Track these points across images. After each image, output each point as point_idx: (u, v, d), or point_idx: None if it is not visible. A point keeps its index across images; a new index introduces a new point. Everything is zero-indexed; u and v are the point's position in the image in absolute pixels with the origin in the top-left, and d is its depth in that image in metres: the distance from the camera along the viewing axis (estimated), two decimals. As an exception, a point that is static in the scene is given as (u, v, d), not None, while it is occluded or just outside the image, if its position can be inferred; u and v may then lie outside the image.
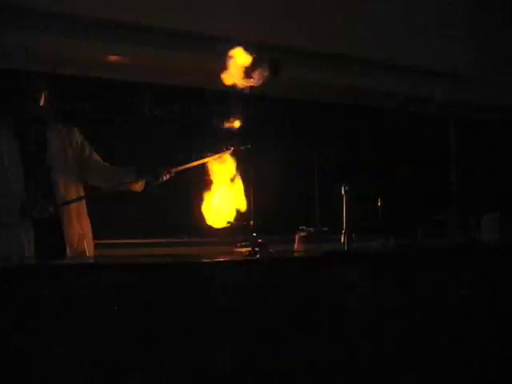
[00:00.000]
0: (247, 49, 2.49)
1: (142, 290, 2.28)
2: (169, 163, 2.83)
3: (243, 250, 2.76)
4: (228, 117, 2.98)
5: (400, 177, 3.96)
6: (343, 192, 3.28)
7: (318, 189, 3.58)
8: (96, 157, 2.88)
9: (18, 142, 2.67)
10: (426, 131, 4.14)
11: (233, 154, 2.81)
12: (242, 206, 2.90)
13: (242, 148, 2.77)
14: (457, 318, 3.07)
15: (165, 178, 2.77)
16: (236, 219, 2.88)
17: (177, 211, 3.33)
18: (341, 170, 3.72)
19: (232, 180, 2.93)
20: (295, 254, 3.15)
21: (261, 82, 2.58)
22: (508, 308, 3.22)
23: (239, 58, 2.57)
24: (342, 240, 3.14)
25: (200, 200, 2.86)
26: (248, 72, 2.54)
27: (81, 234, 2.75)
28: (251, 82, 2.57)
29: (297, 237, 3.19)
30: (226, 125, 2.91)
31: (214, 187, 2.88)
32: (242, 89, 2.66)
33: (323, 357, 2.61)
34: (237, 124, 2.91)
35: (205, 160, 2.76)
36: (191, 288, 2.38)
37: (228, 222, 2.82)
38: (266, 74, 2.55)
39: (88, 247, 2.74)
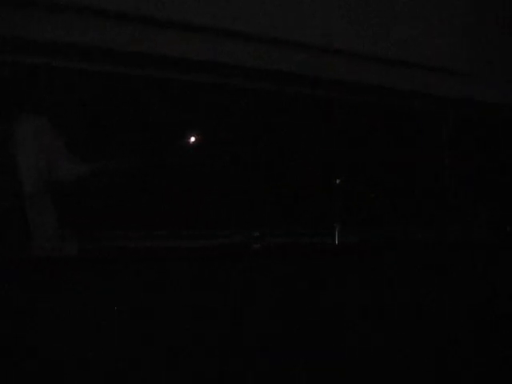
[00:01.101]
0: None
1: (139, 284, 2.28)
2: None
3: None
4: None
5: (395, 172, 3.98)
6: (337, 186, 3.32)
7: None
8: (63, 148, 2.76)
9: None
10: (420, 126, 4.16)
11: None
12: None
13: None
14: (453, 313, 3.11)
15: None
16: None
17: (171, 203, 3.31)
18: (336, 165, 3.73)
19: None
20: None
21: None
22: (506, 302, 3.26)
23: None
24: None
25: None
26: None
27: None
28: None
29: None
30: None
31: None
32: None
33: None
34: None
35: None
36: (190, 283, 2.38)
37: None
38: None
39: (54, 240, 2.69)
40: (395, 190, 3.92)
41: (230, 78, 3.22)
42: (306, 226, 3.50)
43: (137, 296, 2.25)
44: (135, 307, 2.24)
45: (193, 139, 3.25)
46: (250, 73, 3.22)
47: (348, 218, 3.47)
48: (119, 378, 2.17)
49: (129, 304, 2.23)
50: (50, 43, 2.48)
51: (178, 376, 2.28)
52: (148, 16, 2.61)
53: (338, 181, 3.52)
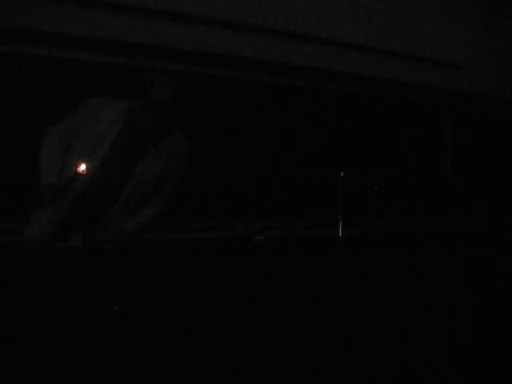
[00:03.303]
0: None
1: (143, 277, 2.28)
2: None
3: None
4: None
5: (396, 164, 3.99)
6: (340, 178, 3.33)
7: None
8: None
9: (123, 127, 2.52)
10: (421, 119, 4.17)
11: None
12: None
13: None
14: (454, 306, 3.10)
15: None
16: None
17: (176, 196, 3.31)
18: (338, 157, 3.74)
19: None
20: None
21: None
22: (498, 293, 3.26)
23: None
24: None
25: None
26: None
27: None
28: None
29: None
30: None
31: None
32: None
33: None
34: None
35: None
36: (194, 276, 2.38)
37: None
38: None
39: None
40: (397, 183, 3.93)
41: (232, 69, 3.24)
42: (309, 218, 3.50)
43: (139, 288, 2.26)
44: (137, 300, 2.24)
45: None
46: (253, 65, 3.24)
47: (351, 211, 3.48)
48: (119, 377, 2.17)
49: (131, 296, 2.23)
50: (52, 34, 2.50)
51: (177, 374, 2.28)
52: (149, 8, 2.63)
53: (341, 173, 3.52)
